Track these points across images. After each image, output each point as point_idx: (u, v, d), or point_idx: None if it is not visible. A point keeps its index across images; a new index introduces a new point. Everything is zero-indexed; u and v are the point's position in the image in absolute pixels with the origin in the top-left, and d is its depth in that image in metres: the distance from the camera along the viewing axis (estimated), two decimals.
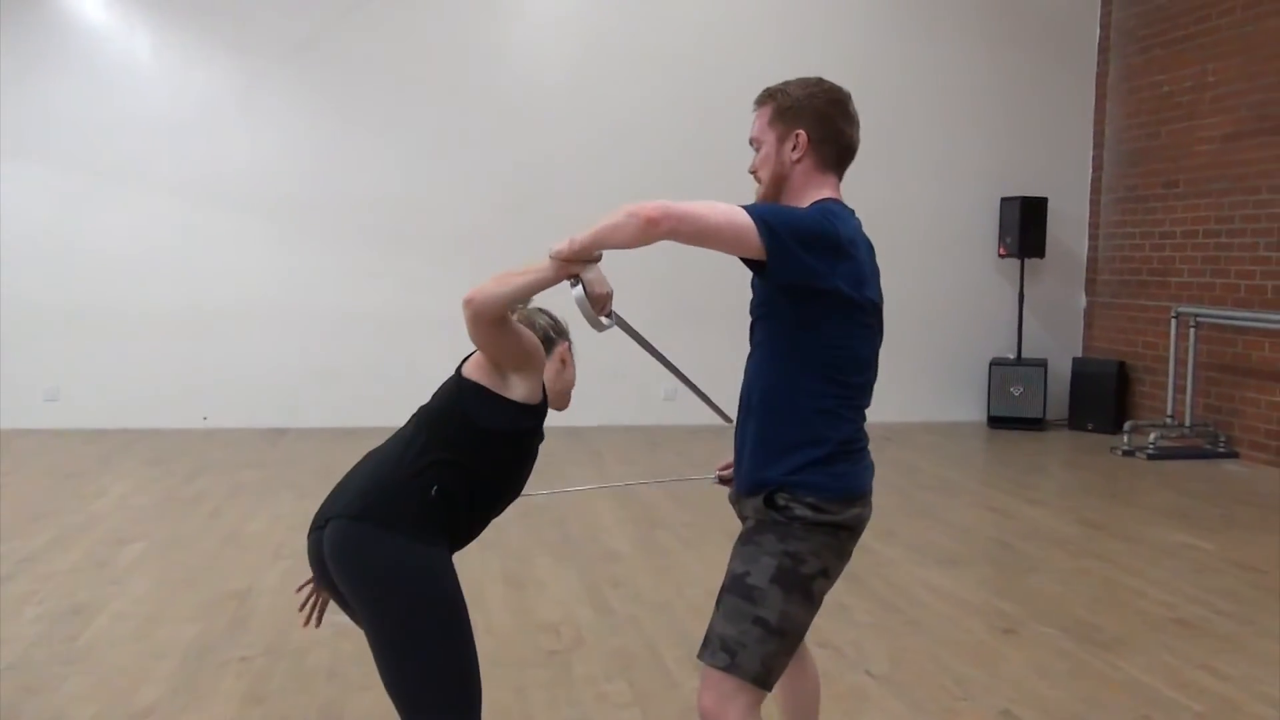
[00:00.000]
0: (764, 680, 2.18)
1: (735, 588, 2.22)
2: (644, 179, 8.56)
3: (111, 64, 8.03)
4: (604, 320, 2.16)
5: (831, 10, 8.82)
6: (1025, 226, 8.78)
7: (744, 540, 2.29)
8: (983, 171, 9.05)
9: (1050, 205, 8.88)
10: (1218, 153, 7.90)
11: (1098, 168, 9.23)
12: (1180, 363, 8.03)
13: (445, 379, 2.45)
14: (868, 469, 2.31)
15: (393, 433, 2.46)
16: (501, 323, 2.21)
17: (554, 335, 2.50)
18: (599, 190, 8.51)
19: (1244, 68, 7.65)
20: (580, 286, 2.10)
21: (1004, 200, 8.95)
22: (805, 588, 2.20)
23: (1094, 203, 9.28)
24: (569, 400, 2.54)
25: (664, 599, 4.48)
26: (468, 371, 2.38)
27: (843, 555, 2.27)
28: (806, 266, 2.09)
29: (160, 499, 6.08)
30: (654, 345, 2.35)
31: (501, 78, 8.46)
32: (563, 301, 2.23)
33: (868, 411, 2.32)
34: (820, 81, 2.32)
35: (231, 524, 5.54)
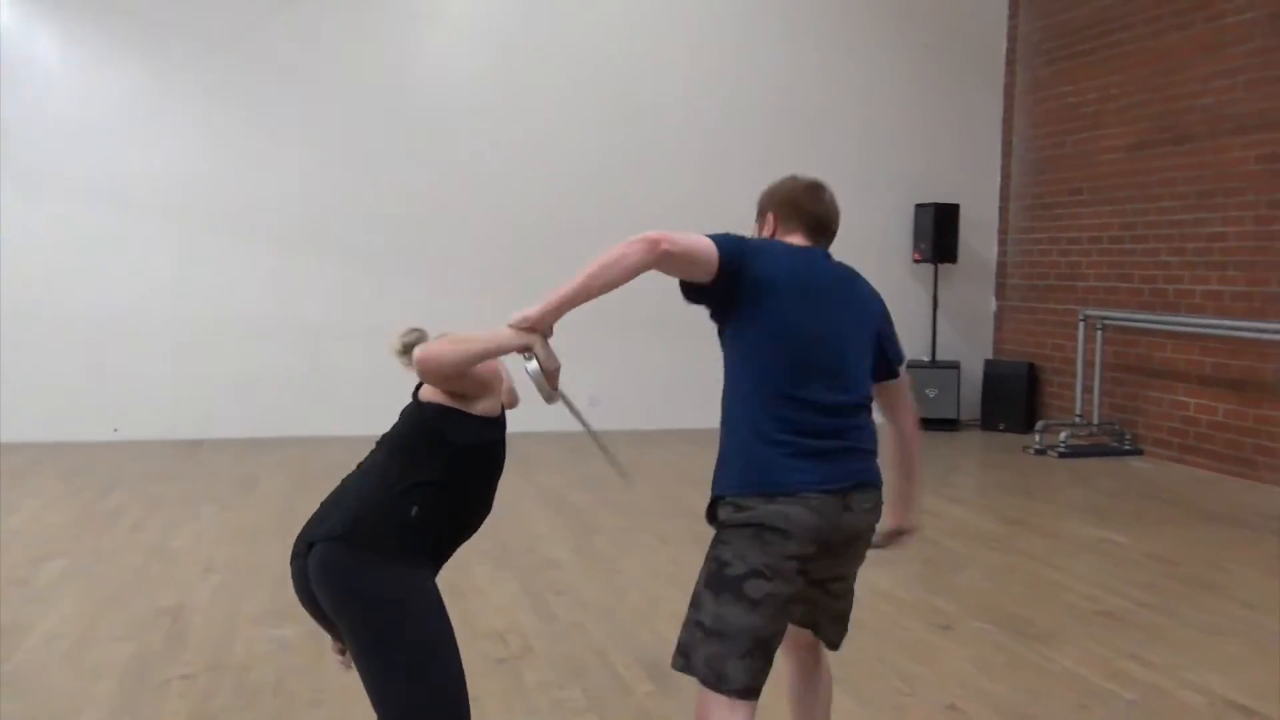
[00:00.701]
0: (714, 682, 2.23)
1: (692, 596, 2.35)
2: (559, 183, 8.58)
3: (15, 66, 7.74)
4: (555, 393, 2.25)
5: (748, 23, 8.93)
6: (938, 233, 9.02)
7: None
8: (898, 180, 9.26)
9: (962, 212, 9.14)
10: (1121, 161, 8.21)
11: (1007, 176, 9.52)
12: (1088, 364, 8.32)
13: (405, 405, 2.47)
14: (804, 469, 2.27)
15: (355, 460, 2.48)
16: (452, 378, 2.28)
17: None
18: (515, 194, 8.51)
19: (1146, 80, 7.97)
20: (534, 361, 2.17)
21: (918, 207, 9.18)
22: (734, 589, 2.23)
23: (1003, 210, 9.57)
24: (518, 396, 2.55)
25: (607, 605, 4.49)
26: (426, 396, 2.40)
27: (781, 559, 2.23)
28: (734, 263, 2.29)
29: (77, 514, 5.87)
30: (588, 422, 2.42)
31: (416, 81, 8.39)
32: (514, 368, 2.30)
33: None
34: (795, 181, 2.61)
35: (155, 538, 5.38)
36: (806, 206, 2.54)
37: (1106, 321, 8.21)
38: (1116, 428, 8.16)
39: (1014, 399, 9.06)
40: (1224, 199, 7.31)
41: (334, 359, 8.19)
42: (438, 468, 2.32)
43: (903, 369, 2.67)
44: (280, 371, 8.20)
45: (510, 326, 2.17)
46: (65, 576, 4.76)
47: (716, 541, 2.31)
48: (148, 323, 8.00)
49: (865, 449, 2.40)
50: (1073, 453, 7.94)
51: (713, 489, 2.38)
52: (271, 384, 8.19)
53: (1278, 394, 6.94)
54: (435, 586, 2.29)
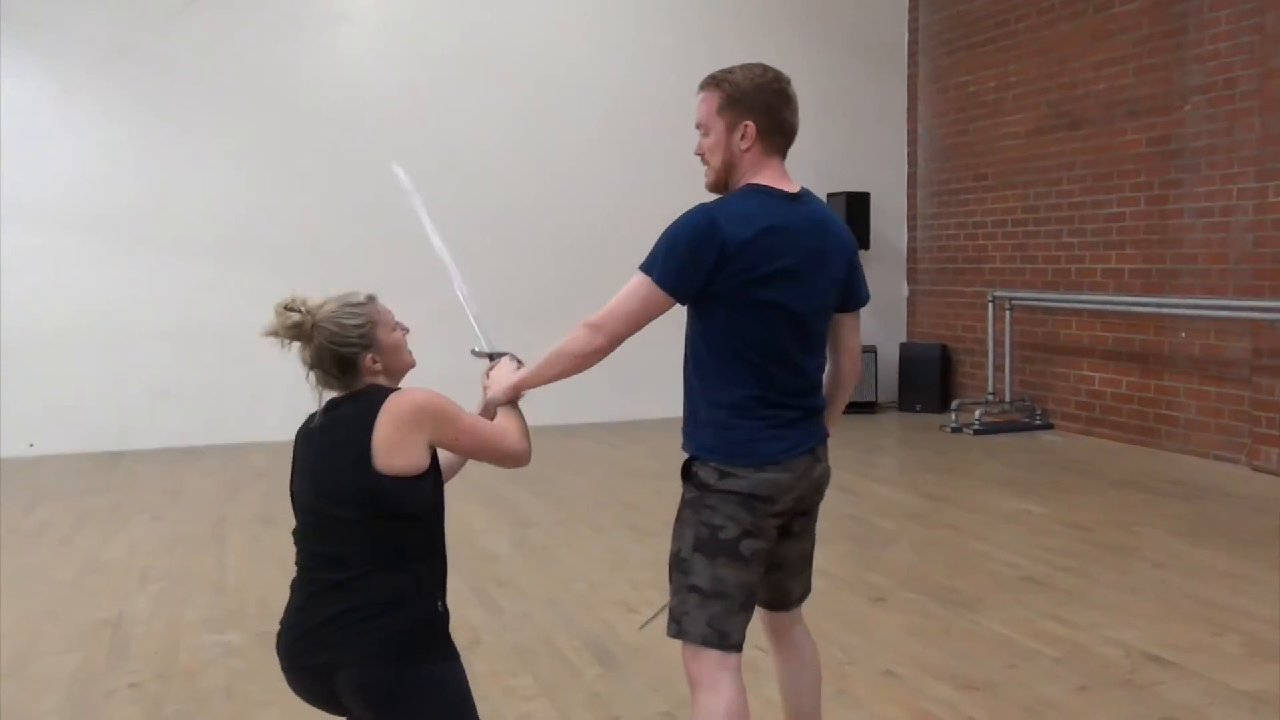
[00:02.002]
0: (716, 641, 2.34)
1: (674, 563, 2.43)
2: (475, 184, 8.60)
3: None
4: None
5: (651, 14, 9.05)
6: (851, 220, 9.21)
7: (676, 518, 2.46)
8: (809, 169, 9.34)
9: (873, 199, 9.38)
10: (1022, 147, 8.52)
11: (913, 163, 9.81)
12: (998, 343, 8.63)
13: (317, 481, 2.19)
14: (786, 437, 2.39)
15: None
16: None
17: (365, 327, 2.22)
18: (434, 196, 8.48)
19: (1042, 68, 8.28)
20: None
21: (830, 195, 9.37)
22: (730, 550, 2.35)
23: (910, 196, 9.86)
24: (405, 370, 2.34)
25: (550, 594, 4.57)
26: (383, 455, 2.11)
27: (764, 517, 2.36)
28: (693, 285, 2.33)
29: (0, 532, 5.75)
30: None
31: (328, 82, 8.33)
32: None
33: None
34: (765, 70, 2.44)
35: (86, 552, 5.30)
36: (788, 120, 2.45)
37: (1014, 302, 8.52)
38: (1028, 403, 8.48)
39: (929, 380, 9.34)
40: (1119, 180, 7.65)
41: (251, 366, 8.07)
42: (415, 540, 2.17)
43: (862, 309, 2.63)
44: (198, 380, 8.08)
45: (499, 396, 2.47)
46: None
47: (699, 505, 2.36)
48: (61, 335, 7.82)
49: (823, 405, 2.54)
50: (987, 429, 8.23)
51: (689, 447, 2.42)
52: (190, 393, 8.07)
53: (1176, 366, 7.29)
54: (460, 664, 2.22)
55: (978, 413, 8.37)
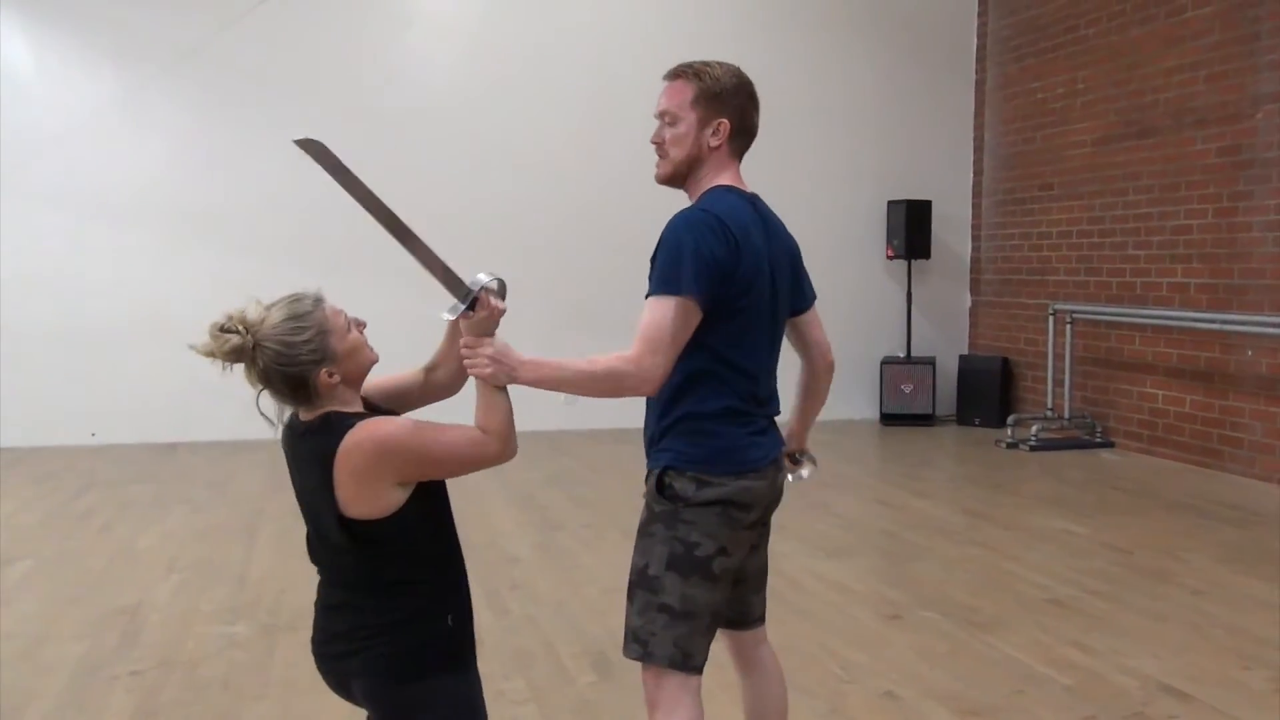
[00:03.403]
0: (681, 663, 2.27)
1: (639, 581, 2.34)
2: (533, 183, 8.64)
3: None
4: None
5: (721, 18, 8.99)
6: (911, 229, 9.08)
7: (640, 532, 2.38)
8: (870, 176, 9.32)
9: (935, 208, 9.20)
10: (1089, 156, 8.27)
11: (978, 171, 9.58)
12: (1058, 358, 8.37)
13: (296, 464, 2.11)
14: (762, 444, 2.34)
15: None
16: None
17: (314, 340, 2.04)
18: (487, 195, 8.54)
19: (1111, 75, 8.02)
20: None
21: (891, 204, 9.23)
22: (703, 569, 2.28)
23: (975, 205, 9.63)
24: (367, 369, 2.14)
25: (561, 599, 4.55)
26: (352, 514, 1.99)
27: (739, 530, 2.31)
28: (715, 292, 2.22)
29: (47, 516, 5.94)
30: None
31: (394, 83, 8.43)
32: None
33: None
34: (739, 70, 2.37)
35: (122, 539, 5.44)
36: (756, 124, 2.41)
37: (1076, 315, 8.26)
38: (1088, 420, 8.21)
39: (988, 394, 9.10)
40: (1187, 191, 7.36)
41: None
42: (419, 565, 2.07)
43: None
44: None
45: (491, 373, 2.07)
46: (29, 577, 4.82)
47: (675, 521, 2.28)
48: (125, 327, 8.05)
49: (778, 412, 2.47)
50: (1044, 446, 7.99)
51: (661, 460, 2.32)
52: (247, 386, 8.20)
53: (1242, 385, 6.99)
54: (477, 673, 2.18)
55: (1035, 428, 8.14)
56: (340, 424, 1.98)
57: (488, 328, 2.09)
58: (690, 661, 2.29)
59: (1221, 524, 5.83)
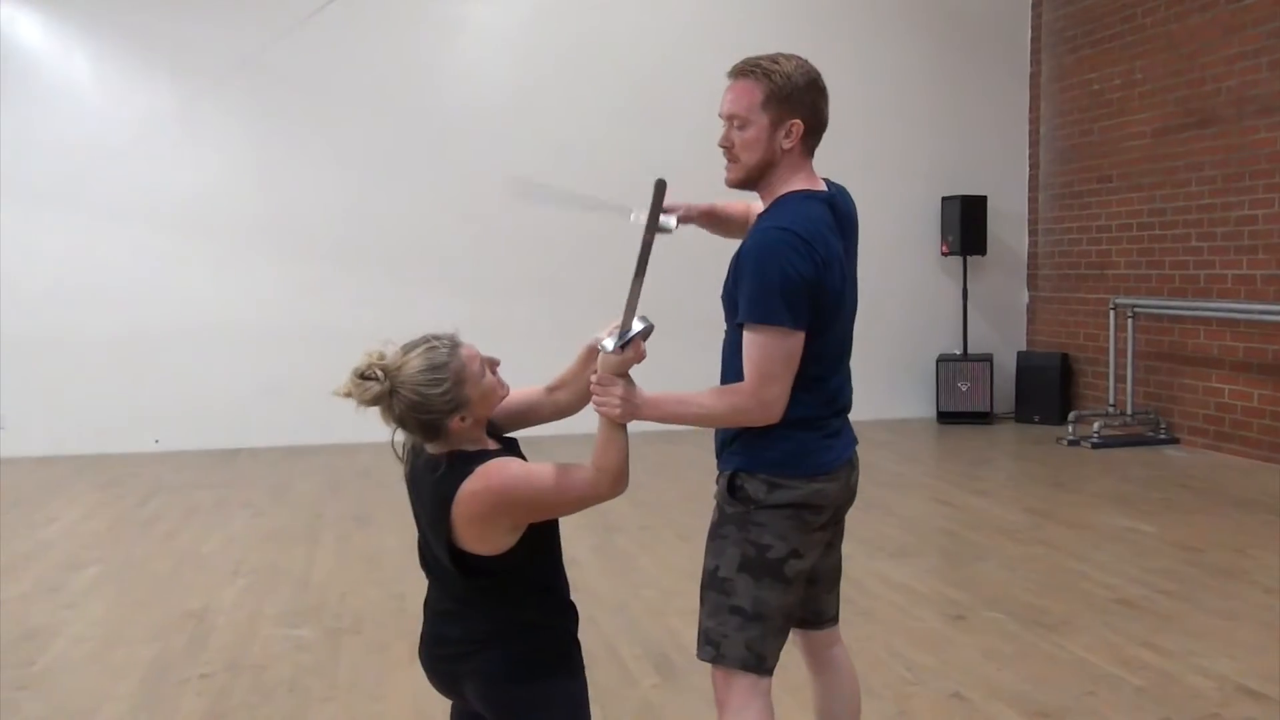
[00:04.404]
0: (754, 665, 2.26)
1: (710, 583, 2.32)
2: (587, 188, 8.62)
3: (49, 87, 7.96)
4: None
5: (775, 15, 8.94)
6: (966, 225, 8.97)
7: (711, 535, 2.36)
8: (924, 172, 9.23)
9: (990, 203, 9.08)
10: (1148, 147, 8.12)
11: (1034, 165, 9.44)
12: (1120, 353, 8.23)
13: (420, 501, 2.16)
14: (834, 447, 2.32)
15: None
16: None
17: (450, 392, 2.07)
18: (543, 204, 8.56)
19: (1169, 64, 7.87)
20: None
21: (945, 199, 9.13)
22: (775, 571, 2.26)
23: (1032, 199, 9.49)
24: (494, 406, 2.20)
25: (620, 600, 4.54)
26: (469, 550, 2.06)
27: (811, 533, 2.29)
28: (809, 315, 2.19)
29: (113, 523, 6.04)
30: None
31: (443, 90, 8.50)
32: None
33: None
34: (806, 62, 2.27)
35: (187, 544, 5.52)
36: (826, 116, 2.31)
37: (1138, 309, 8.11)
38: (1151, 416, 8.06)
39: (1048, 390, 8.96)
40: (1251, 181, 7.20)
41: None
42: (527, 587, 2.13)
43: None
44: (313, 380, 8.28)
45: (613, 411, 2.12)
46: (97, 582, 4.90)
47: (747, 523, 2.25)
48: (185, 336, 8.18)
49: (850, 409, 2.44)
50: (1106, 443, 7.85)
51: (733, 462, 2.30)
52: (305, 392, 8.26)
53: None
54: (585, 679, 2.20)
55: (1096, 425, 8.00)
56: (462, 467, 2.04)
57: (624, 369, 2.14)
58: (763, 664, 2.28)
59: None
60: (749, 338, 2.17)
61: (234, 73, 8.18)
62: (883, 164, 9.03)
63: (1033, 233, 9.50)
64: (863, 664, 3.73)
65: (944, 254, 9.16)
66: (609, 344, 2.12)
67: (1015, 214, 9.48)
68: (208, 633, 4.19)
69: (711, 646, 2.29)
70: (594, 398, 2.13)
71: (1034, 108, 9.42)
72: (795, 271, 2.13)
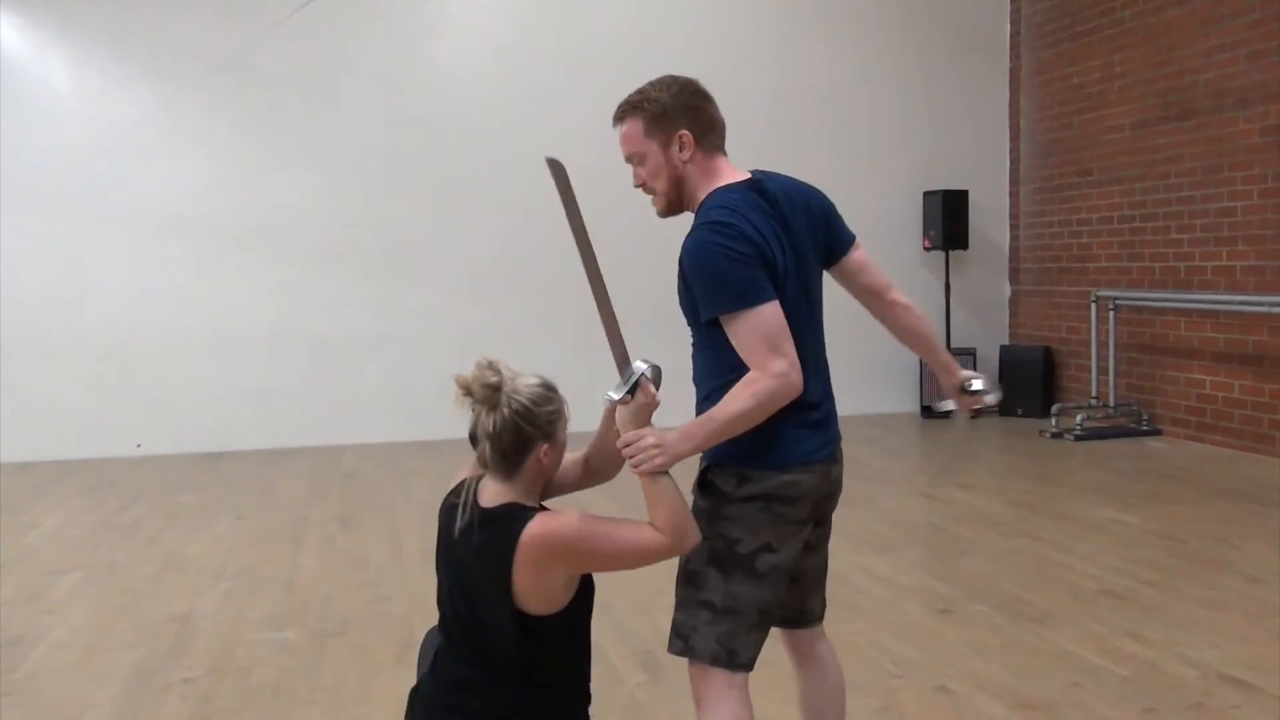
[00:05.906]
0: (725, 660, 2.26)
1: (682, 577, 2.35)
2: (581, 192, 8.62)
3: (27, 91, 7.91)
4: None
5: (751, 13, 8.95)
6: (948, 219, 8.99)
7: None
8: (904, 167, 9.25)
9: (971, 197, 9.11)
10: (1128, 140, 8.15)
11: (1015, 159, 9.48)
12: (1102, 346, 8.27)
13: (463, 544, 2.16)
14: (809, 439, 2.29)
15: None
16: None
17: (554, 416, 2.19)
18: (522, 200, 8.53)
19: (1148, 57, 7.91)
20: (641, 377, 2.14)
21: (926, 194, 9.15)
22: (746, 566, 2.25)
23: (1013, 194, 9.52)
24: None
25: (605, 598, 4.45)
26: (522, 606, 2.10)
27: (785, 525, 2.26)
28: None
29: (95, 528, 5.99)
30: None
31: (426, 92, 8.47)
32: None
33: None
34: (675, 78, 2.35)
35: (170, 549, 5.48)
36: (717, 115, 2.35)
37: (1119, 302, 8.15)
38: (1134, 408, 8.10)
39: (1031, 384, 8.99)
40: (1230, 173, 7.24)
41: (346, 368, 8.28)
42: (559, 660, 2.22)
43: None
44: (295, 382, 8.30)
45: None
46: (79, 588, 4.87)
47: (717, 517, 2.26)
48: (166, 340, 8.14)
49: (834, 406, 2.42)
50: (1089, 435, 7.89)
51: (706, 457, 2.30)
52: (287, 395, 8.30)
53: None
54: None
55: (1079, 418, 8.03)
56: (521, 515, 2.08)
57: (645, 418, 2.15)
58: (735, 659, 2.27)
59: (1276, 510, 5.71)
60: (730, 330, 2.17)
61: (213, 75, 8.13)
62: (863, 159, 9.05)
63: (1014, 227, 9.53)
64: (848, 658, 3.71)
65: (926, 249, 9.19)
66: (614, 394, 2.14)
67: (996, 208, 9.51)
68: (191, 637, 4.16)
69: (680, 640, 2.31)
70: (629, 459, 2.15)
71: (1014, 102, 9.45)
72: (734, 250, 2.14)
